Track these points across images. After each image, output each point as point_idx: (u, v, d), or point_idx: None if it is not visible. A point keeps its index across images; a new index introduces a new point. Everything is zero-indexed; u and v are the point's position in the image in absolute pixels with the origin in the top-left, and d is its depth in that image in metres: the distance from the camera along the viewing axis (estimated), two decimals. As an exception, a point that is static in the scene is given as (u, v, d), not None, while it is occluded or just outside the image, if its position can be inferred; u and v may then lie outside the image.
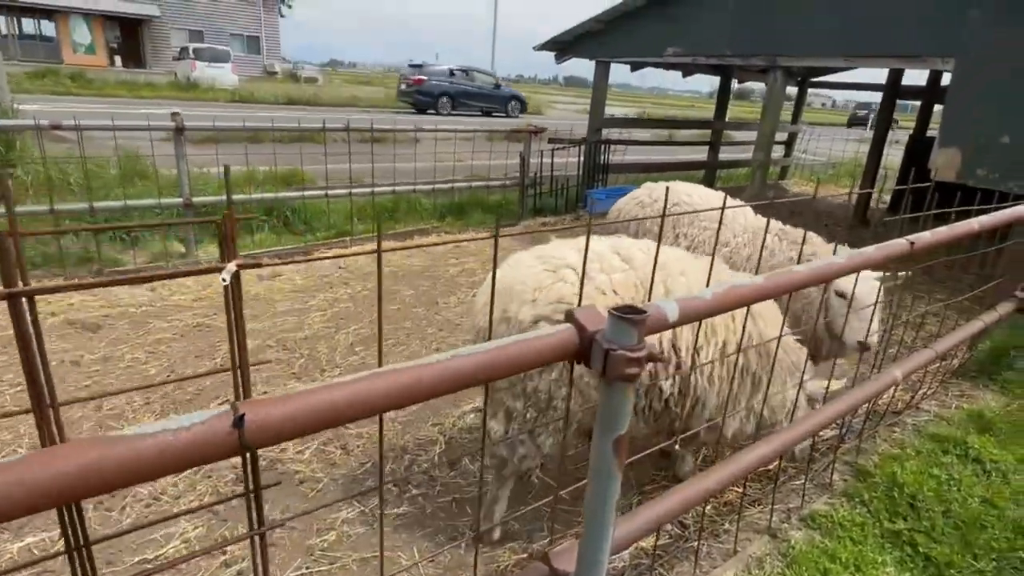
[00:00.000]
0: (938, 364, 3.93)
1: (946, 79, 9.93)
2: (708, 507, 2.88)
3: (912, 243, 2.51)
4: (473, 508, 2.77)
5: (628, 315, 1.29)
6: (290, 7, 41.45)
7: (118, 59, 33.51)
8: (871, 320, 2.88)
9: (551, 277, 2.33)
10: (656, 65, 8.72)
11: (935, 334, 3.51)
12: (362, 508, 2.80)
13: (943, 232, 2.80)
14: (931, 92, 9.83)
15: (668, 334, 2.36)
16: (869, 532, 2.66)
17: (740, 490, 3.02)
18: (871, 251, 2.34)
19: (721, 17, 6.57)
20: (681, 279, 2.44)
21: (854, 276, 2.82)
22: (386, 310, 5.10)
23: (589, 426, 2.56)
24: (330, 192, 6.36)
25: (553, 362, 1.37)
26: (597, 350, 1.32)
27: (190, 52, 25.83)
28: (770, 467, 3.27)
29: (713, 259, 1.91)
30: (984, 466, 3.19)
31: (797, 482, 3.06)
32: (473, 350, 1.25)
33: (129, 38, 34.42)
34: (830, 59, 5.88)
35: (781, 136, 12.11)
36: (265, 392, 3.68)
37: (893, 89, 9.66)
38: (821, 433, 3.17)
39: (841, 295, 2.98)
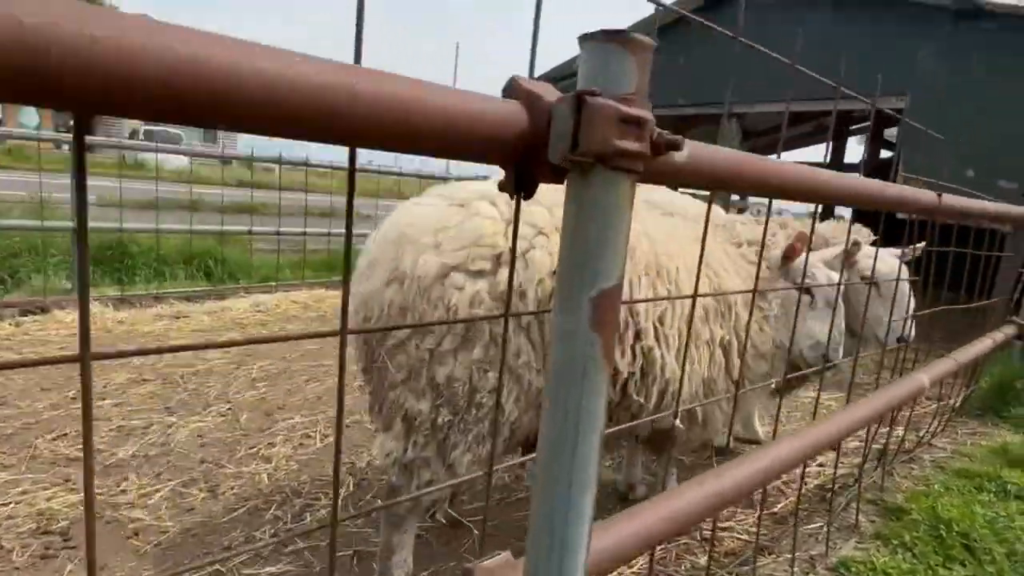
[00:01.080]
0: (938, 404, 3.43)
1: (884, 153, 10.33)
2: (704, 558, 2.14)
3: (939, 195, 2.07)
4: (379, 564, 1.94)
5: (618, 37, 0.70)
6: (251, 102, 42.30)
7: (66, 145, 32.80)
8: (907, 308, 2.37)
9: (461, 213, 1.64)
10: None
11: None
12: (218, 567, 1.93)
13: (969, 202, 2.42)
14: (868, 165, 10.17)
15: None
16: (923, 582, 1.96)
17: (746, 538, 2.30)
18: (896, 189, 1.87)
19: (674, 71, 6.56)
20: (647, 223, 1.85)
21: (874, 259, 2.36)
22: (308, 348, 4.31)
23: (532, 429, 1.83)
24: (255, 231, 5.67)
25: (480, 154, 0.73)
26: (561, 116, 0.70)
27: (140, 134, 25.50)
28: (776, 509, 2.58)
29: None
30: (1030, 504, 2.58)
31: (813, 525, 2.36)
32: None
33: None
34: (783, 104, 5.83)
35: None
36: (113, 431, 2.81)
37: (836, 164, 9.95)
38: (829, 469, 2.55)
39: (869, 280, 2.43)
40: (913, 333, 2.51)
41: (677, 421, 1.49)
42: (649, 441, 1.94)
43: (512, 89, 0.77)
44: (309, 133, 0.60)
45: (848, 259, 2.52)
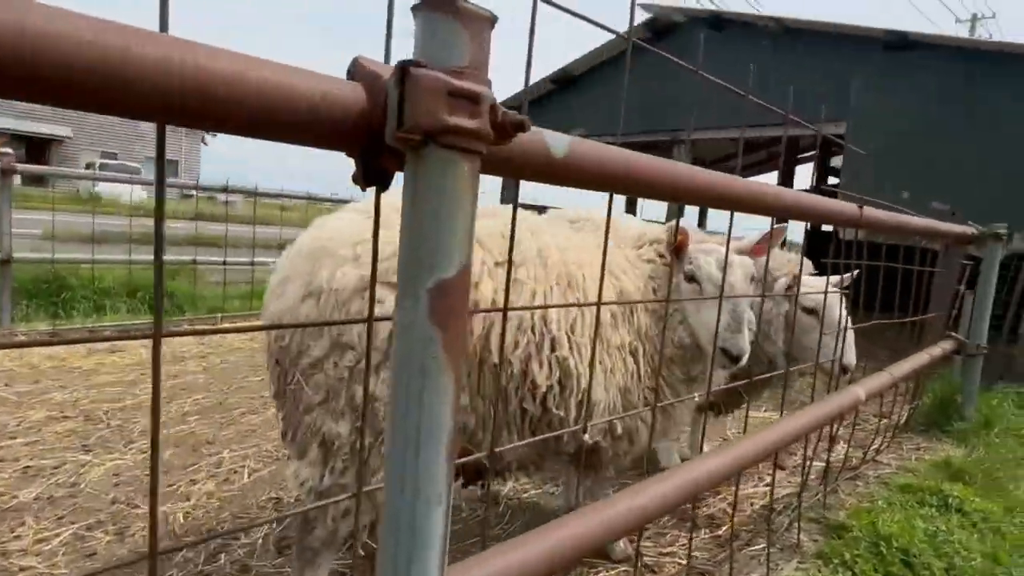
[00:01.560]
0: (884, 421, 3.45)
1: (832, 180, 10.70)
2: (644, 586, 2.06)
3: (861, 207, 2.10)
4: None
5: (447, 7, 0.66)
6: (214, 136, 41.84)
7: (18, 178, 31.77)
8: (843, 337, 2.40)
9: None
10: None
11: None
12: (114, 616, 1.76)
13: (890, 215, 2.47)
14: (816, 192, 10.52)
15: (536, 303, 1.67)
16: (862, 601, 1.92)
17: (684, 562, 2.22)
18: (817, 200, 1.88)
19: (628, 100, 6.71)
20: (550, 238, 1.82)
21: (819, 290, 2.38)
22: (249, 380, 4.14)
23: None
24: (200, 260, 5.50)
25: (321, 138, 0.68)
26: (390, 91, 0.65)
27: (96, 167, 24.88)
28: (720, 532, 2.51)
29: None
30: (970, 517, 2.58)
31: (756, 546, 2.30)
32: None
33: (36, 157, 32.97)
34: (728, 131, 5.99)
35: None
36: (18, 472, 2.61)
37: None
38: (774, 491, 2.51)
39: (811, 311, 2.47)
40: (854, 361, 2.52)
41: (587, 436, 1.43)
42: (579, 461, 1.87)
43: (354, 70, 0.72)
44: (120, 106, 0.53)
45: (789, 289, 2.54)
